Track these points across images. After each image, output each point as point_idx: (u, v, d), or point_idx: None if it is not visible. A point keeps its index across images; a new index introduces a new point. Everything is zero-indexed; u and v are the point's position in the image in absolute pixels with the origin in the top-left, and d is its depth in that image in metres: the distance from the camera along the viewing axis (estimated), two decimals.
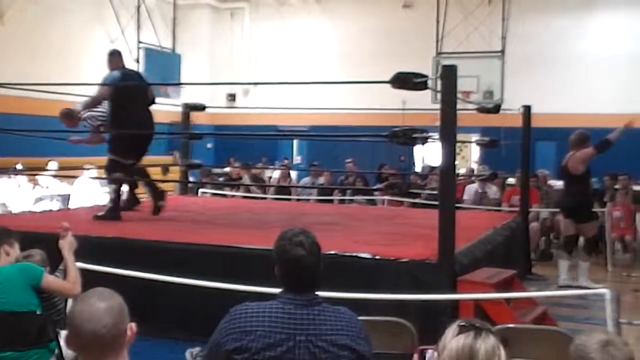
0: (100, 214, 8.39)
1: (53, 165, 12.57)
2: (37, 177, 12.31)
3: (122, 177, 8.67)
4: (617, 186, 12.36)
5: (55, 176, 12.43)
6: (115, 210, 8.47)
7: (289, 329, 2.93)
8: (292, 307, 2.98)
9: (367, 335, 3.06)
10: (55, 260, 4.94)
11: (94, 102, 8.61)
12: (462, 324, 2.26)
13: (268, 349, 2.90)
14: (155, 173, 15.59)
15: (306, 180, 15.36)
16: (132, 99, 8.48)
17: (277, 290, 3.09)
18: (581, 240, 9.74)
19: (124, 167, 8.60)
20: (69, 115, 8.63)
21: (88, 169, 12.66)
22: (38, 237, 5.78)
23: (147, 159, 15.35)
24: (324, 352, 2.93)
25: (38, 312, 4.32)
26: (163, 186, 9.62)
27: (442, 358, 2.17)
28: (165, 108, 16.82)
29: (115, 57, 8.81)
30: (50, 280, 4.40)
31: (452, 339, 2.20)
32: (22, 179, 12.20)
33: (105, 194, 9.00)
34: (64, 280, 4.53)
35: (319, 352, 2.92)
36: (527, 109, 10.13)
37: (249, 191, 13.88)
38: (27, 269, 4.44)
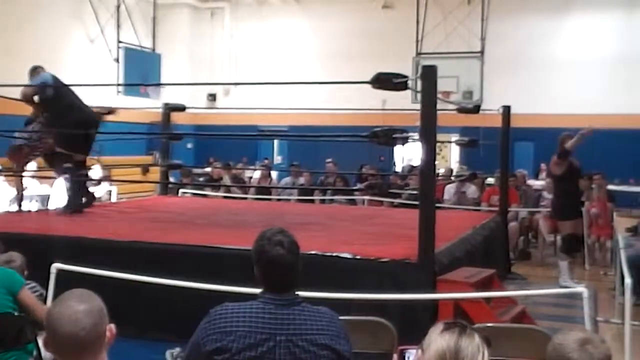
0: (62, 207, 8.89)
1: (32, 165, 12.47)
2: (13, 177, 12.21)
3: (78, 174, 9.12)
4: (593, 186, 12.44)
5: (34, 177, 12.33)
6: (77, 203, 8.92)
7: (270, 329, 2.92)
8: (273, 307, 2.97)
9: (347, 335, 3.06)
10: (33, 261, 4.92)
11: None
12: (448, 322, 2.27)
13: (248, 349, 2.89)
14: (135, 173, 15.62)
15: (287, 180, 15.34)
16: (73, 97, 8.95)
17: (257, 291, 3.08)
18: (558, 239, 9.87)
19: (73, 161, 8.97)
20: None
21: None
22: (16, 238, 5.73)
23: (127, 159, 15.31)
24: (304, 351, 2.92)
25: (15, 314, 4.29)
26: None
27: (428, 356, 2.18)
28: (145, 108, 16.81)
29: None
30: (27, 295, 4.39)
31: (438, 337, 2.20)
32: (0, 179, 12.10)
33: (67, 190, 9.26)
34: (39, 303, 4.52)
35: (299, 352, 2.92)
36: (507, 109, 10.17)
37: (229, 191, 13.84)
38: (9, 276, 4.43)
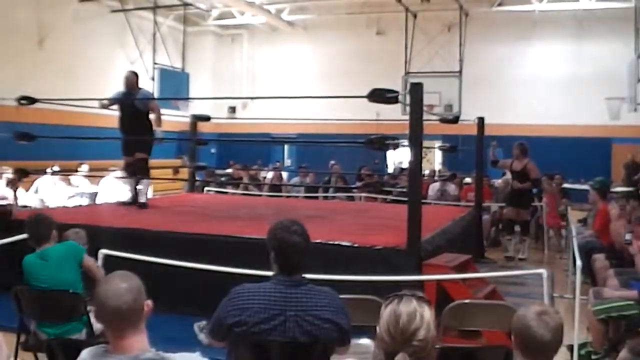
0: (139, 204, 8.85)
1: (84, 167, 12.53)
2: (70, 177, 12.26)
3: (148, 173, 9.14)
4: (553, 184, 12.48)
5: (85, 176, 12.37)
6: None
7: (281, 306, 2.93)
8: (283, 287, 2.98)
9: (346, 311, 3.07)
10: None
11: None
12: (391, 295, 2.27)
13: (263, 322, 2.90)
14: (167, 174, 15.64)
15: (295, 179, 15.33)
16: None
17: (270, 274, 3.09)
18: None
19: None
20: None
21: (114, 170, 12.63)
22: (71, 228, 5.74)
23: (160, 162, 15.32)
24: (310, 324, 2.93)
25: (70, 291, 4.33)
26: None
27: (380, 329, 2.19)
28: (175, 119, 16.83)
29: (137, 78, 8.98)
30: (88, 259, 4.59)
31: (383, 309, 2.22)
32: (58, 178, 12.14)
33: (137, 189, 9.05)
34: (97, 266, 4.81)
35: (305, 325, 2.92)
36: (481, 120, 10.16)
37: (246, 189, 13.84)
38: (74, 247, 4.61)
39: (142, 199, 8.91)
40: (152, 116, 8.76)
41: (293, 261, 3.03)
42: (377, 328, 2.22)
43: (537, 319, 2.36)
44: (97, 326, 4.16)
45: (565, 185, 13.51)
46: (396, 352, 2.12)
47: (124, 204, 9.17)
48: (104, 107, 8.94)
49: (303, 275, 3.05)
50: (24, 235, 4.71)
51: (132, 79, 8.76)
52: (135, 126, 8.62)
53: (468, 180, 13.11)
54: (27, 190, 11.52)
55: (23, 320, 4.45)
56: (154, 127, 8.78)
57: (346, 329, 3.02)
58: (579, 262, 5.58)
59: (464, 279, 5.83)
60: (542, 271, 5.10)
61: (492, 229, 12.29)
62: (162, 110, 15.17)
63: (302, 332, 2.92)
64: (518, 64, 18.59)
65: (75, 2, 15.76)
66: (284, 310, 2.92)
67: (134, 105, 8.60)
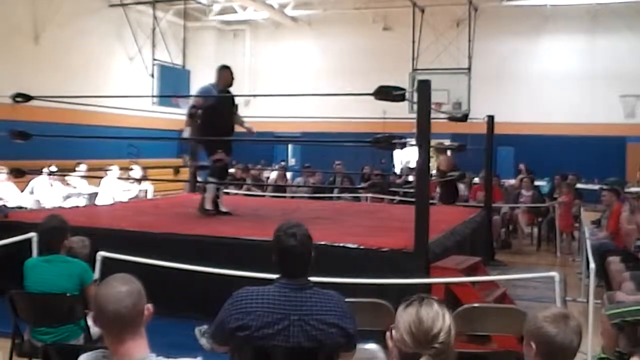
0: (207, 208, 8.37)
1: (82, 167, 12.53)
2: (66, 177, 12.26)
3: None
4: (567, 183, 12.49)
5: (83, 176, 12.37)
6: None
7: (284, 310, 2.93)
8: (287, 291, 2.97)
9: (352, 315, 3.06)
10: None
11: None
12: (408, 298, 2.27)
13: (266, 326, 2.90)
14: (167, 174, 15.65)
15: (299, 180, 15.33)
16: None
17: (274, 276, 3.09)
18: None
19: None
20: None
21: (111, 170, 12.64)
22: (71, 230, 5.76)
23: (159, 161, 15.29)
24: (315, 329, 2.93)
25: (68, 294, 4.33)
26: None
27: (399, 331, 2.18)
28: (176, 117, 16.84)
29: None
30: (93, 290, 4.32)
31: (402, 312, 2.21)
32: (54, 178, 12.14)
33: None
34: None
35: (310, 329, 2.92)
36: (491, 118, 10.15)
37: (249, 190, 13.84)
38: (86, 271, 4.54)
39: (208, 205, 8.37)
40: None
41: (293, 264, 3.03)
42: (391, 331, 2.22)
43: (561, 324, 2.33)
44: (95, 330, 4.17)
45: (579, 185, 13.48)
46: (416, 355, 2.12)
47: (207, 211, 8.39)
48: (195, 115, 8.25)
49: (308, 278, 3.05)
50: (18, 238, 4.70)
51: (231, 75, 8.62)
52: (232, 126, 8.52)
53: (477, 180, 13.09)
54: (22, 191, 11.53)
55: (17, 325, 4.45)
56: (245, 129, 8.85)
57: (352, 334, 3.02)
58: (592, 265, 5.56)
59: (473, 282, 5.82)
60: (554, 274, 5.09)
61: (502, 231, 12.28)
62: (161, 108, 15.03)
63: (306, 337, 2.91)
64: (529, 61, 18.54)
65: None
66: (287, 314, 2.92)
67: (232, 104, 8.51)
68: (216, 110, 8.24)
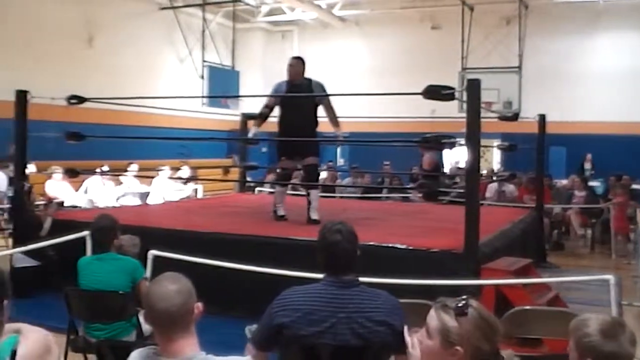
0: (314, 218, 7.70)
1: (134, 167, 12.76)
2: (119, 177, 12.50)
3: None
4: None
5: (135, 176, 12.60)
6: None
7: (331, 308, 2.91)
8: (334, 289, 2.95)
9: (402, 312, 3.00)
10: None
11: None
12: (439, 301, 2.27)
13: (313, 324, 2.88)
14: (217, 174, 15.82)
15: (347, 180, 15.31)
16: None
17: (320, 276, 3.09)
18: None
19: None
20: None
21: (162, 170, 12.85)
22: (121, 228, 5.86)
23: (209, 162, 15.42)
24: (362, 327, 2.89)
25: (120, 292, 4.41)
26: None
27: (467, 335, 2.15)
28: (225, 117, 17.01)
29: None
30: (144, 285, 4.44)
31: (466, 316, 2.19)
32: (107, 178, 12.39)
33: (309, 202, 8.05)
34: None
35: (357, 327, 2.89)
36: (542, 117, 9.97)
37: (295, 189, 13.84)
38: (135, 268, 4.63)
39: (314, 215, 7.72)
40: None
41: (339, 260, 3.01)
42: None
43: (614, 336, 2.15)
44: (147, 327, 4.23)
45: (634, 186, 13.16)
46: (491, 356, 2.08)
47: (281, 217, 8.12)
48: (265, 116, 8.08)
49: (356, 276, 3.03)
50: (72, 236, 4.81)
51: (297, 67, 8.08)
52: (304, 125, 7.86)
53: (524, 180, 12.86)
54: (76, 190, 11.80)
55: (73, 321, 4.56)
56: (333, 129, 8.12)
57: (400, 330, 2.95)
58: None
59: (524, 284, 5.73)
60: (609, 277, 4.96)
61: (554, 232, 12.06)
62: (211, 109, 14.98)
63: (353, 335, 2.88)
64: (581, 58, 18.15)
65: None
66: (334, 313, 2.89)
67: (301, 98, 7.81)
68: (283, 109, 7.92)
